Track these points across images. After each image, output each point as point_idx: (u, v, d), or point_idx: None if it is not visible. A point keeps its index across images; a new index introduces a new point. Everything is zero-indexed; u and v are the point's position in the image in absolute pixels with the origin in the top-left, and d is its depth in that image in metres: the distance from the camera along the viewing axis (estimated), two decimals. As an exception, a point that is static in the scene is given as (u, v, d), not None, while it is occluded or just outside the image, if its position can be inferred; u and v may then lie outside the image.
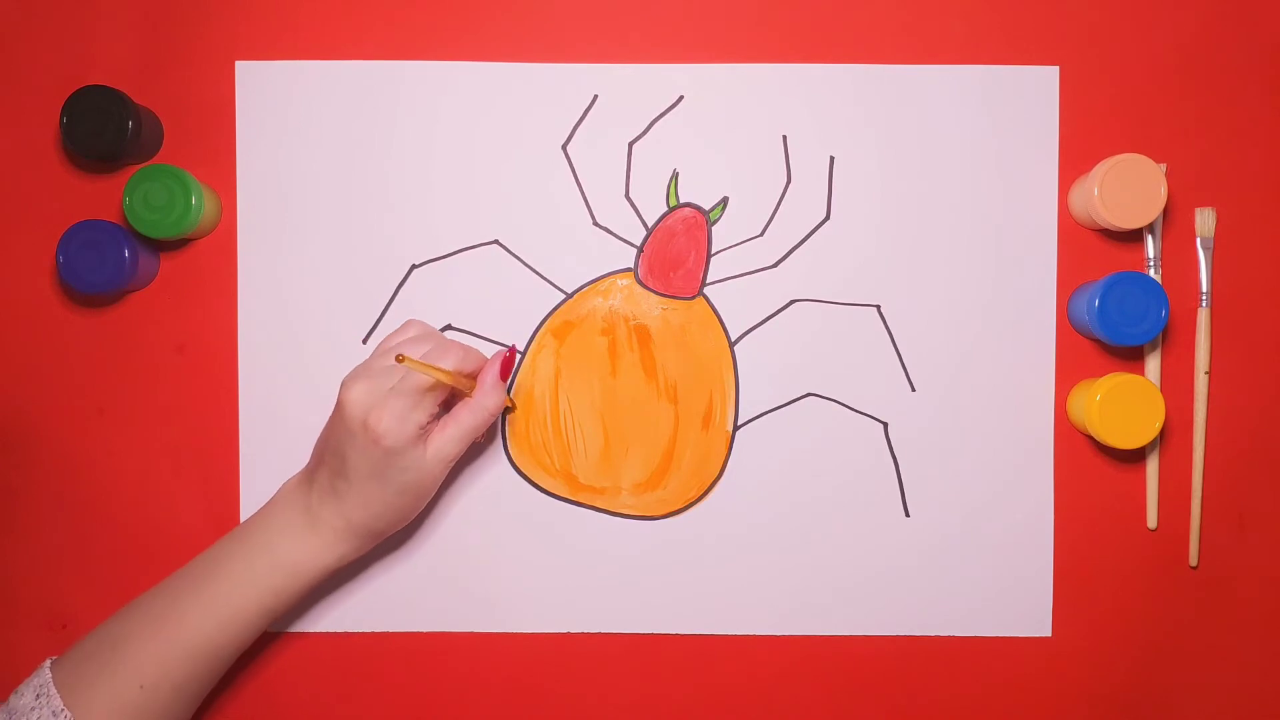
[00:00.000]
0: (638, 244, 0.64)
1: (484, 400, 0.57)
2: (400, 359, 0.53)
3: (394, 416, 0.54)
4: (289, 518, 0.58)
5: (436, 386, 0.55)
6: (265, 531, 0.58)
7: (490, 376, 0.57)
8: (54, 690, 0.54)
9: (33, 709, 0.53)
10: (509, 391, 0.62)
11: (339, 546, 0.58)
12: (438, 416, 0.57)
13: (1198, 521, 0.64)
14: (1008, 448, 0.64)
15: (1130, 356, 0.64)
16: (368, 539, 0.58)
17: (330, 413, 0.58)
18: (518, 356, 0.60)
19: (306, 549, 0.57)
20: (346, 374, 0.57)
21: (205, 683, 0.57)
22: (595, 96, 0.64)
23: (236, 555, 0.57)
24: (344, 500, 0.56)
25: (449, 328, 0.64)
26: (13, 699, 0.55)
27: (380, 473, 0.55)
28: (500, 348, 0.60)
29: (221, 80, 0.63)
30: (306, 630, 0.64)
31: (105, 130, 0.60)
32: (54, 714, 0.53)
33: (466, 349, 0.57)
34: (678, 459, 0.64)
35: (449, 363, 0.56)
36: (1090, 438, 0.63)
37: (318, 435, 0.59)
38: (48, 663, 0.56)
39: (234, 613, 0.56)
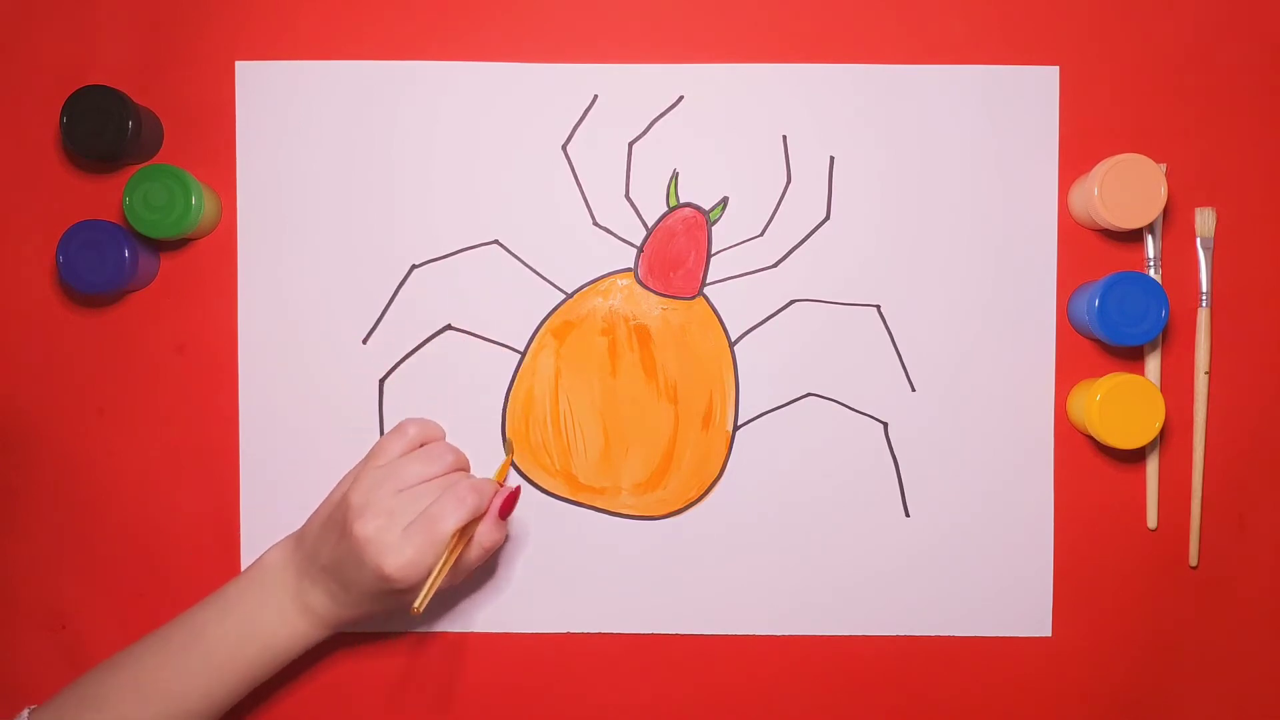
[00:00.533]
0: (638, 244, 0.64)
1: (483, 540, 0.57)
2: (416, 611, 0.54)
3: (411, 565, 0.54)
4: (277, 597, 0.58)
5: (450, 540, 0.55)
6: (250, 604, 0.58)
7: (491, 517, 0.57)
8: None
9: None
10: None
11: (321, 632, 0.59)
12: None
13: (1198, 521, 0.64)
14: (1008, 448, 0.64)
15: (1130, 356, 0.64)
16: (349, 628, 0.60)
17: (324, 504, 0.59)
18: (521, 491, 0.61)
19: (293, 632, 0.58)
20: (352, 494, 0.56)
21: None
22: (595, 96, 0.64)
23: (217, 626, 0.57)
24: (338, 604, 0.57)
25: (449, 328, 0.64)
26: None
27: (383, 601, 0.57)
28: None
29: (221, 80, 0.63)
30: (306, 630, 0.64)
31: (105, 130, 0.60)
32: None
33: (458, 456, 0.59)
34: (678, 459, 0.64)
35: (457, 516, 0.55)
36: (1090, 438, 0.63)
37: (312, 494, 0.59)
38: (26, 713, 0.56)
39: (218, 677, 0.57)
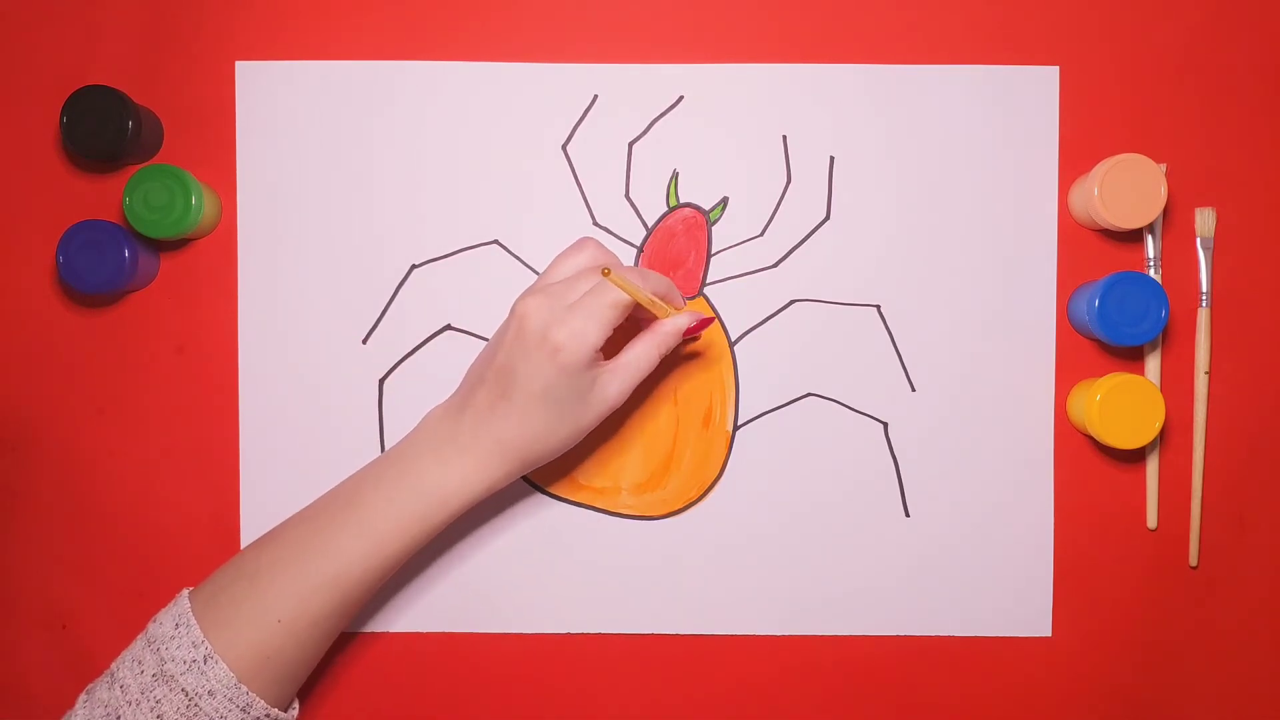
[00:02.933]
0: (638, 244, 0.64)
1: (661, 328, 0.56)
2: (606, 273, 0.52)
3: (574, 332, 0.53)
4: (436, 443, 0.56)
5: (619, 308, 0.54)
6: (411, 457, 0.56)
7: (674, 319, 0.56)
8: (193, 620, 0.53)
9: (172, 637, 0.53)
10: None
11: (489, 471, 0.55)
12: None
13: (1198, 521, 0.64)
14: (1008, 447, 0.64)
15: (1130, 356, 0.64)
16: (518, 465, 0.56)
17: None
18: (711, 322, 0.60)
19: (455, 474, 0.55)
20: (521, 293, 0.56)
21: (344, 617, 0.56)
22: (595, 96, 0.64)
23: (381, 482, 0.55)
24: (504, 420, 0.55)
25: (449, 328, 0.64)
26: (152, 627, 0.54)
27: (550, 392, 0.54)
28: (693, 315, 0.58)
29: (221, 80, 0.63)
30: (306, 630, 0.63)
31: (105, 130, 0.60)
32: (194, 644, 0.52)
33: (647, 276, 0.57)
34: (678, 459, 0.64)
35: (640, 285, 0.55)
36: (1090, 438, 0.63)
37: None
38: (186, 592, 0.55)
39: (377, 543, 0.54)
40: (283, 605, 0.53)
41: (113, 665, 0.54)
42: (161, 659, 0.53)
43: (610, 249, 0.59)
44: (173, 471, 0.64)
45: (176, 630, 0.53)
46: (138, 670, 0.53)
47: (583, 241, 0.58)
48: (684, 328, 0.57)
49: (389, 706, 0.64)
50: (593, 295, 0.54)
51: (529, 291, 0.56)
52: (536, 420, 0.55)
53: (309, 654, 0.55)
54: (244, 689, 0.53)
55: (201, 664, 0.52)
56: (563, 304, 0.54)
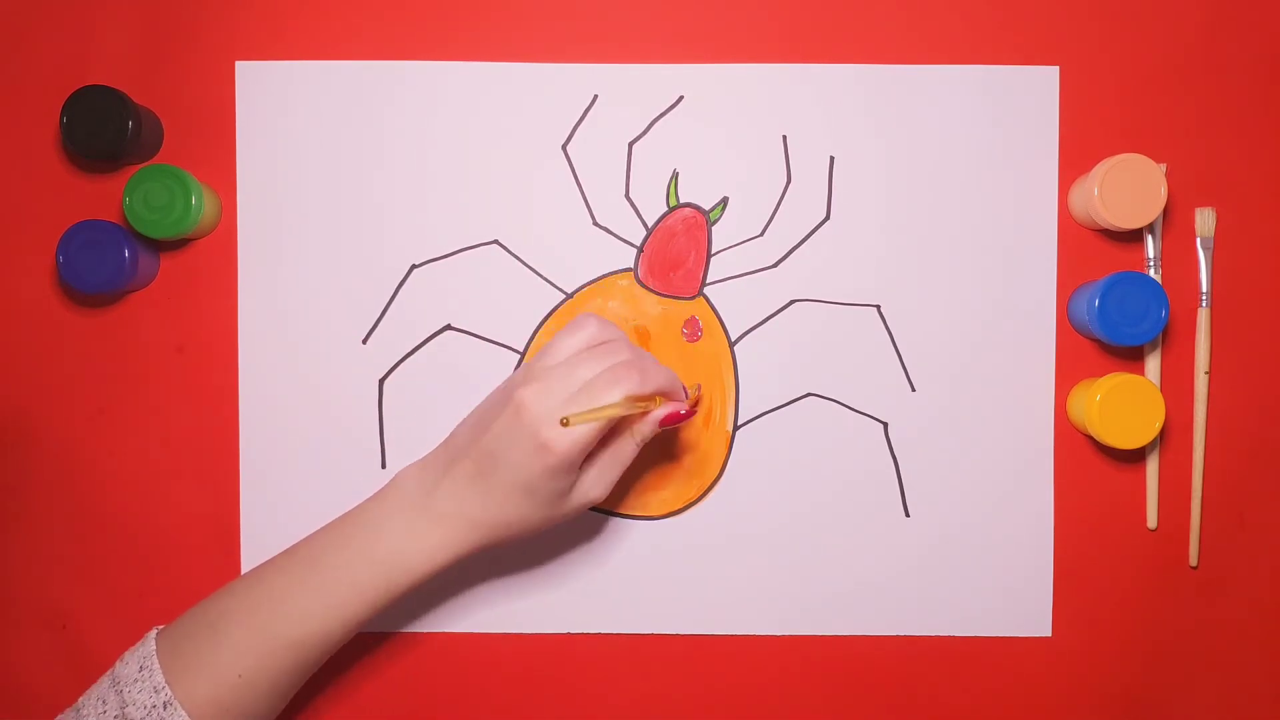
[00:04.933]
0: (638, 244, 0.64)
1: (640, 432, 0.55)
2: (565, 422, 0.50)
3: (570, 435, 0.51)
4: (407, 509, 0.54)
5: (612, 418, 0.53)
6: (379, 520, 0.55)
7: (651, 419, 0.54)
8: (156, 664, 0.53)
9: (136, 680, 0.53)
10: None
11: (456, 546, 0.54)
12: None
13: (1198, 521, 0.64)
14: (1008, 448, 0.64)
15: (1130, 356, 0.64)
16: (486, 545, 0.55)
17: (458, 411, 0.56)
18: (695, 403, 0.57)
19: (422, 545, 0.54)
20: (512, 375, 0.55)
21: (305, 675, 0.55)
22: (595, 96, 0.64)
23: (346, 545, 0.55)
24: (480, 500, 0.54)
25: (449, 328, 0.64)
26: (119, 665, 0.54)
27: (531, 486, 0.53)
28: (671, 405, 0.55)
29: (221, 80, 0.63)
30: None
31: (105, 130, 0.60)
32: (155, 689, 0.52)
33: (645, 371, 0.53)
34: (677, 459, 0.64)
35: (626, 387, 0.52)
36: (1090, 438, 0.63)
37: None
38: (153, 633, 0.55)
39: (337, 608, 0.54)
40: (242, 661, 0.53)
41: (79, 700, 0.54)
42: (124, 701, 0.52)
43: (610, 324, 0.56)
44: (173, 471, 0.64)
45: (140, 673, 0.53)
46: (101, 709, 0.53)
47: (583, 319, 0.55)
48: (660, 418, 0.54)
49: (389, 706, 0.64)
50: (585, 399, 0.52)
51: (528, 377, 0.53)
52: (512, 508, 0.54)
53: (268, 708, 0.55)
54: None
55: (161, 709, 0.52)
56: (561, 395, 0.52)
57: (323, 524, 0.56)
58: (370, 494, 0.56)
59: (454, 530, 0.54)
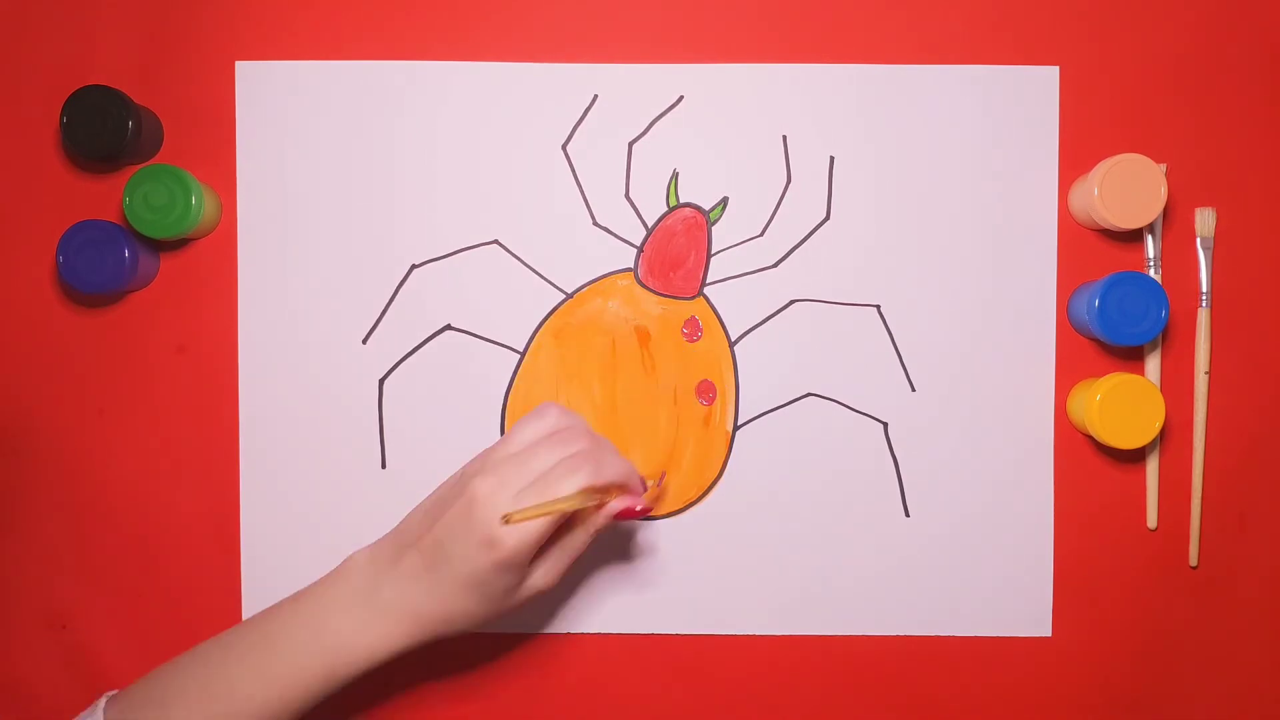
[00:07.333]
0: (638, 244, 0.64)
1: (593, 525, 0.54)
2: (506, 520, 0.50)
3: (519, 530, 0.50)
4: (354, 597, 0.54)
5: (564, 513, 0.52)
6: (325, 606, 0.54)
7: (606, 511, 0.54)
8: None
9: None
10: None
11: (398, 640, 0.54)
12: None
13: (1198, 521, 0.64)
14: (1008, 448, 0.64)
15: (1130, 356, 0.64)
16: (429, 637, 0.54)
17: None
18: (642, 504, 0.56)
19: (364, 637, 0.54)
20: (469, 463, 0.54)
21: None
22: (595, 96, 0.64)
23: (290, 630, 0.54)
24: (425, 595, 0.53)
25: (449, 328, 0.64)
26: None
27: (477, 579, 0.52)
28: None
29: (221, 80, 0.63)
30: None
31: (105, 130, 0.60)
32: None
33: (601, 462, 0.53)
34: (677, 459, 0.64)
35: (581, 478, 0.51)
36: (1090, 438, 0.63)
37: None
38: (103, 700, 0.55)
39: (279, 692, 0.53)
40: None
41: None
42: None
43: (571, 412, 0.55)
44: (173, 471, 0.64)
45: None
46: None
47: (543, 408, 0.55)
48: (615, 513, 0.54)
49: (389, 706, 0.64)
50: (538, 492, 0.51)
51: (483, 467, 0.52)
52: (457, 603, 0.53)
53: None
54: None
55: None
56: (515, 487, 0.51)
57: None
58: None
59: (397, 625, 0.54)
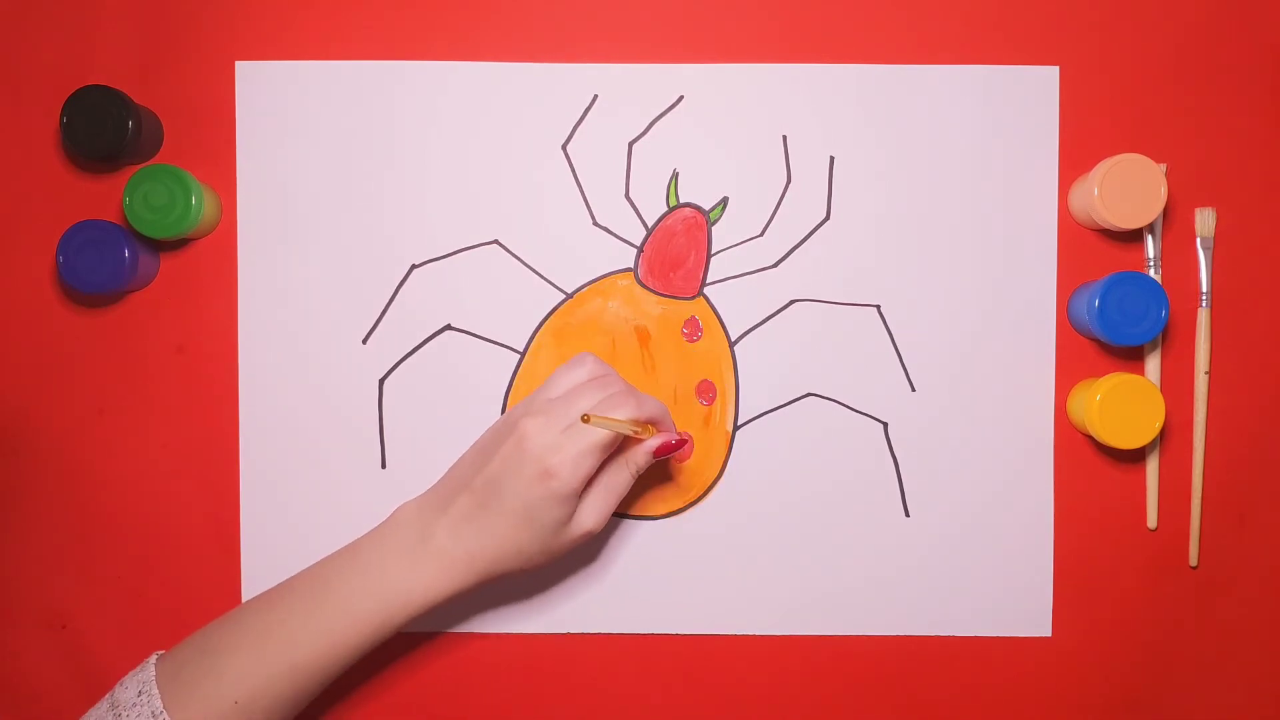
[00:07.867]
0: (638, 244, 0.64)
1: (635, 459, 0.57)
2: (586, 419, 0.52)
3: (571, 461, 0.53)
4: (407, 542, 0.56)
5: (613, 441, 0.55)
6: (379, 554, 0.56)
7: (645, 447, 0.57)
8: (155, 690, 0.54)
9: (134, 704, 0.53)
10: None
11: (454, 581, 0.56)
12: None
13: (1198, 521, 0.64)
14: (1008, 448, 0.64)
15: (1130, 356, 0.64)
16: (484, 579, 0.56)
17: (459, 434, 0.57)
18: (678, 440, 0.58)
19: (420, 579, 0.55)
20: (511, 409, 0.56)
21: (300, 704, 0.56)
22: (595, 96, 0.64)
23: (344, 577, 0.56)
24: (479, 533, 0.55)
25: (449, 328, 0.64)
26: (118, 690, 0.54)
27: (531, 512, 0.54)
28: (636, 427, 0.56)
29: (221, 80, 0.63)
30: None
31: (105, 130, 0.60)
32: (153, 715, 0.53)
33: (640, 399, 0.56)
34: (678, 459, 0.64)
35: (625, 412, 0.55)
36: (1090, 438, 0.63)
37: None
38: (154, 658, 0.55)
39: (336, 639, 0.55)
40: (240, 688, 0.54)
41: None
42: None
43: (605, 363, 0.58)
44: (173, 471, 0.64)
45: (139, 698, 0.53)
46: None
47: (581, 357, 0.58)
48: (654, 448, 0.57)
49: (389, 706, 0.64)
50: (584, 429, 0.54)
51: (530, 410, 0.55)
52: (510, 539, 0.55)
53: None
54: None
55: None
56: (561, 426, 0.54)
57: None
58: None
59: (452, 566, 0.56)
